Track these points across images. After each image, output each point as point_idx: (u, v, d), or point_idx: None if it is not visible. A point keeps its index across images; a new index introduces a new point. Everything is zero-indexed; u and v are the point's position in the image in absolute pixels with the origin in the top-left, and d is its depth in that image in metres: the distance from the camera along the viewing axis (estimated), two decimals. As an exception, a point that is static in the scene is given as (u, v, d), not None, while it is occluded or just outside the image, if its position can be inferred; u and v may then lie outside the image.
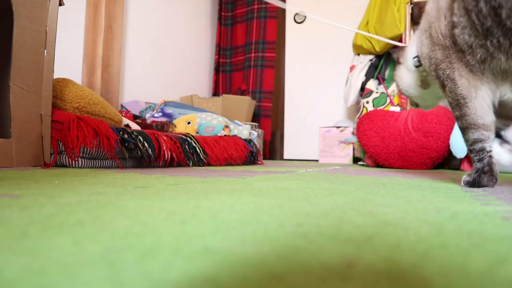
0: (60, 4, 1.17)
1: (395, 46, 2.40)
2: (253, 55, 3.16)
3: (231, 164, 1.57)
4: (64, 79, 1.24)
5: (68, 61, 1.97)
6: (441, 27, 0.73)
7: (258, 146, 1.92)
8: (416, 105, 0.98)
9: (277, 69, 3.19)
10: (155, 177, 0.77)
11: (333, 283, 0.17)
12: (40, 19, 1.09)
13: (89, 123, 1.08)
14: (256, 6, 3.19)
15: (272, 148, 3.16)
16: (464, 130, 0.76)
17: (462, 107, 0.73)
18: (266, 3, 3.16)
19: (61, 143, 1.09)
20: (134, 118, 1.88)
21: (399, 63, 0.96)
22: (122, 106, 2.25)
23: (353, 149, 2.50)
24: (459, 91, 0.73)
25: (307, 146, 3.06)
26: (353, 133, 2.48)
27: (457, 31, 0.69)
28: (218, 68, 3.31)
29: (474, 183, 0.74)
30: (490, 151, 0.74)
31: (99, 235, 0.25)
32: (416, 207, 0.41)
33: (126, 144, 1.15)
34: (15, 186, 0.53)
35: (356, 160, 2.49)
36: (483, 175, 0.74)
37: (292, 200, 0.44)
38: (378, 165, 1.81)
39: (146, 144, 1.19)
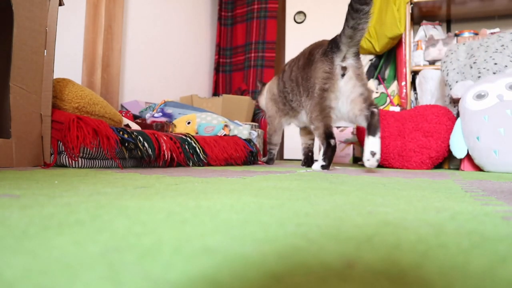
0: (60, 4, 1.17)
1: (393, 48, 2.40)
2: (253, 55, 3.16)
3: (231, 164, 1.57)
4: (64, 79, 1.24)
5: (68, 61, 1.97)
6: (276, 96, 1.65)
7: (258, 146, 1.92)
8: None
9: (277, 69, 3.19)
10: (155, 177, 0.77)
11: (333, 283, 0.17)
12: (40, 19, 1.09)
13: (89, 123, 1.08)
14: (256, 6, 3.19)
15: (272, 148, 3.16)
16: (271, 136, 1.73)
17: (277, 128, 1.71)
18: (266, 3, 3.16)
19: (61, 143, 1.09)
20: (134, 118, 1.88)
21: (262, 91, 1.82)
22: (122, 106, 2.25)
23: (353, 149, 2.50)
24: (277, 121, 1.69)
25: (307, 146, 3.06)
26: (353, 133, 2.48)
27: (278, 102, 1.64)
28: (218, 68, 3.31)
29: (267, 162, 1.74)
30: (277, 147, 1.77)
31: (99, 235, 0.25)
32: (416, 207, 0.41)
33: (126, 144, 1.15)
34: (15, 186, 0.53)
35: (356, 160, 2.49)
36: (271, 160, 1.75)
37: (292, 200, 0.44)
38: (378, 165, 1.81)
39: (146, 144, 1.19)
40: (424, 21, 2.49)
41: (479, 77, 1.71)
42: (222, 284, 0.17)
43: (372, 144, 1.17)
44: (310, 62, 1.33)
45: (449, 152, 1.64)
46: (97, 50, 2.08)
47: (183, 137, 1.40)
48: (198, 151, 1.40)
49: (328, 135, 1.27)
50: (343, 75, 1.25)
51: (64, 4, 1.19)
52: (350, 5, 1.13)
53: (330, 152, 1.26)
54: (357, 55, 1.25)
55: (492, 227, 0.30)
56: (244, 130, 1.83)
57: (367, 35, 2.43)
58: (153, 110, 1.98)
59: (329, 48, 1.26)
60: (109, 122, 1.29)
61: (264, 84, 1.83)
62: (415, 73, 2.39)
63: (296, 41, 3.14)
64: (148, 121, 1.73)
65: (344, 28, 1.18)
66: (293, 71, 1.45)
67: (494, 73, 1.68)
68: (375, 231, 0.28)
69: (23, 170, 0.88)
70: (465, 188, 0.69)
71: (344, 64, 1.24)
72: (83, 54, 2.05)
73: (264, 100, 1.77)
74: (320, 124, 1.28)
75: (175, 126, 1.78)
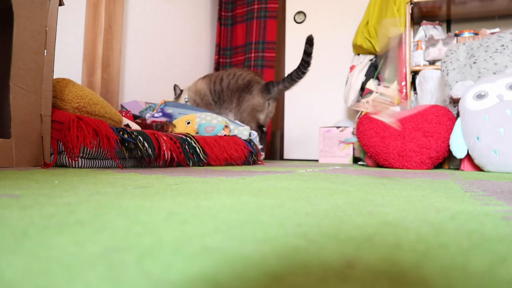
0: (60, 4, 1.17)
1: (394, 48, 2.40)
2: (253, 55, 3.15)
3: (231, 164, 1.57)
4: (64, 79, 1.24)
5: (68, 61, 1.97)
6: (206, 94, 2.27)
7: (258, 146, 1.92)
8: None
9: (277, 69, 3.19)
10: (155, 177, 0.77)
11: (333, 283, 0.17)
12: (40, 19, 1.09)
13: (89, 123, 1.08)
14: (256, 6, 3.19)
15: (272, 148, 3.16)
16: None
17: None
18: (266, 3, 3.16)
19: (61, 143, 1.09)
20: (134, 118, 1.88)
21: (180, 96, 2.36)
22: (122, 106, 2.25)
23: (353, 149, 2.50)
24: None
25: (307, 146, 3.06)
26: (353, 133, 2.48)
27: (207, 98, 2.26)
28: (218, 68, 3.31)
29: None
30: None
31: (99, 235, 0.25)
32: (416, 207, 0.41)
33: (126, 144, 1.15)
34: (15, 186, 0.53)
35: (356, 160, 2.49)
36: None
37: (292, 200, 0.44)
38: (378, 165, 1.81)
39: (146, 144, 1.19)
40: (424, 21, 2.49)
41: (479, 77, 1.71)
42: (222, 284, 0.17)
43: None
44: (248, 90, 2.12)
45: (449, 152, 1.64)
46: (97, 50, 2.08)
47: (183, 137, 1.40)
48: (198, 151, 1.40)
49: (260, 127, 2.11)
50: (269, 104, 2.14)
51: (64, 4, 1.19)
52: (290, 75, 2.04)
53: (265, 136, 2.14)
54: (275, 99, 2.17)
55: (492, 227, 0.30)
56: (244, 130, 1.83)
57: (367, 35, 2.43)
58: (153, 110, 1.98)
59: (264, 89, 2.09)
60: (109, 122, 1.29)
61: (181, 90, 2.39)
62: (415, 73, 2.39)
63: (296, 41, 3.13)
64: (148, 121, 1.73)
65: (280, 82, 2.06)
66: (230, 83, 2.18)
67: (494, 73, 1.68)
68: (375, 231, 0.28)
69: (23, 170, 0.88)
70: (465, 188, 0.69)
71: (270, 101, 2.14)
72: (83, 54, 2.05)
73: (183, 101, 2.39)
74: (253, 123, 2.10)
75: (174, 126, 1.78)
